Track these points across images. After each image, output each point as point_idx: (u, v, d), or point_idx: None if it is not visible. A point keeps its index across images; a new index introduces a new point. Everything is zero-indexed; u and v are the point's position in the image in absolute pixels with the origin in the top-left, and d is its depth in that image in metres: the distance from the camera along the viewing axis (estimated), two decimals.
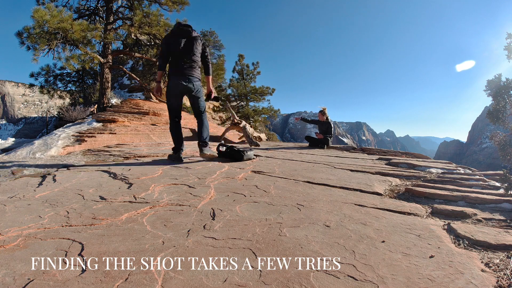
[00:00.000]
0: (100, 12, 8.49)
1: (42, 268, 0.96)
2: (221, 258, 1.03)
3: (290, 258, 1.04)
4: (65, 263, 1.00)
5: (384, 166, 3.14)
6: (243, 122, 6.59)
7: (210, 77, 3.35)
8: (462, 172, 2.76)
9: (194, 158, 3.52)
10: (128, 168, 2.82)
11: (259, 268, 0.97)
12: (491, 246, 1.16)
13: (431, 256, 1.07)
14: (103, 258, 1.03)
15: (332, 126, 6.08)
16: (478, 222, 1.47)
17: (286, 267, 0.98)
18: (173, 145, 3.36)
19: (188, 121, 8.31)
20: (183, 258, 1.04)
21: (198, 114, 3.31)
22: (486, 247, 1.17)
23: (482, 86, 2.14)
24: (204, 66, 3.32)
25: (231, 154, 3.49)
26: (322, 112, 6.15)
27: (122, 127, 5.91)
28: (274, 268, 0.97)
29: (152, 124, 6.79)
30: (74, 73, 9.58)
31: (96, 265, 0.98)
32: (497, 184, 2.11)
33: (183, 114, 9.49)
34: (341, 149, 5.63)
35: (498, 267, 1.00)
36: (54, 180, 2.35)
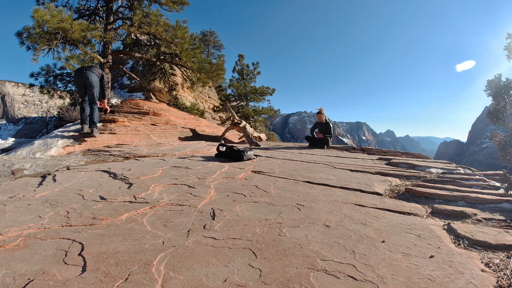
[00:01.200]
0: (100, 12, 8.49)
1: (42, 268, 0.96)
2: (221, 258, 1.04)
3: (290, 258, 1.04)
4: (65, 263, 1.00)
5: (384, 166, 3.14)
6: (243, 122, 6.59)
7: None
8: (462, 172, 2.76)
9: (194, 158, 3.52)
10: (128, 168, 2.82)
11: (259, 268, 0.97)
12: (491, 246, 1.16)
13: (431, 256, 1.07)
14: (103, 258, 1.03)
15: (332, 126, 6.08)
16: (478, 222, 1.47)
17: (286, 267, 0.98)
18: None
19: (188, 121, 8.32)
20: (183, 258, 1.04)
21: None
22: (486, 247, 1.16)
23: (482, 86, 2.14)
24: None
25: (231, 154, 3.49)
26: (320, 113, 6.16)
27: (122, 127, 5.91)
28: (274, 268, 0.97)
29: (152, 124, 6.79)
30: (74, 73, 9.57)
31: (96, 265, 0.98)
32: (497, 184, 2.11)
33: (184, 114, 9.48)
34: (341, 149, 5.63)
35: (498, 267, 1.00)
36: (54, 180, 2.35)
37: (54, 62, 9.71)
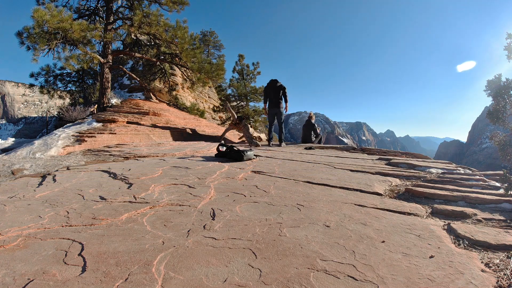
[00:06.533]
0: (100, 12, 8.49)
1: (42, 268, 0.96)
2: (221, 258, 1.03)
3: (290, 258, 1.04)
4: (65, 263, 1.00)
5: (384, 166, 3.13)
6: (243, 122, 6.59)
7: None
8: (462, 172, 2.75)
9: (194, 158, 3.52)
10: (128, 168, 2.82)
11: (259, 268, 0.97)
12: (491, 246, 1.16)
13: (431, 256, 1.07)
14: (103, 258, 1.03)
15: (315, 125, 7.32)
16: (478, 222, 1.47)
17: (286, 267, 0.98)
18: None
19: (188, 121, 8.32)
20: (183, 258, 1.04)
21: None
22: (486, 247, 1.16)
23: (482, 86, 2.13)
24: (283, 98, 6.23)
25: (231, 154, 3.49)
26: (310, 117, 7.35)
27: (122, 127, 5.91)
28: (274, 268, 0.97)
29: (152, 124, 6.79)
30: (74, 73, 9.58)
31: (96, 265, 0.98)
32: (497, 184, 2.11)
33: (184, 114, 9.49)
34: (341, 149, 5.62)
35: (498, 267, 1.00)
36: (54, 180, 2.35)
37: (54, 62, 9.72)
